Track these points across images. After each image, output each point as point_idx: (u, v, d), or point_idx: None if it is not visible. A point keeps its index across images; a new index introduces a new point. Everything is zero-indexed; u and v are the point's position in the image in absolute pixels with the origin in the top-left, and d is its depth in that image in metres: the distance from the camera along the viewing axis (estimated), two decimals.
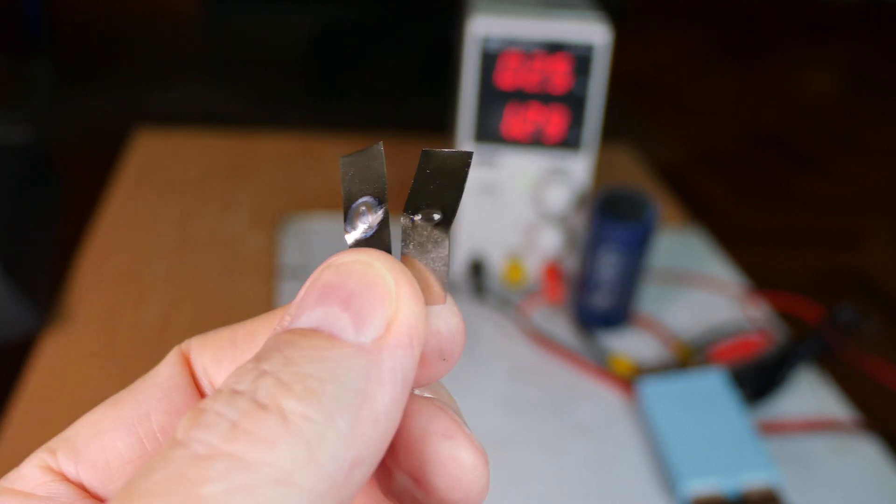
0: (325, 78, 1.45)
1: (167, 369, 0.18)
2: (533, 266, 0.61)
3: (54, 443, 0.17)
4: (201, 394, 0.19)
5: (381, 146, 0.17)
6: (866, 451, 0.51)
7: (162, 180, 0.78)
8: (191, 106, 1.15)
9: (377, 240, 0.17)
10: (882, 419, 0.53)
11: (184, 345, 0.19)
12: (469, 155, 0.17)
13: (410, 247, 0.17)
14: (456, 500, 0.17)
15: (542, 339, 0.58)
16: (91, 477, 0.17)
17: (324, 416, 0.14)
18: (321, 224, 0.70)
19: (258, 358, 0.15)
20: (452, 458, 0.17)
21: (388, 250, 0.17)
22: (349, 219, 0.17)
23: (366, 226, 0.17)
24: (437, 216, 0.17)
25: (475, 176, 0.59)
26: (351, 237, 0.17)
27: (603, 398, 0.53)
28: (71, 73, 1.30)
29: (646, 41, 1.69)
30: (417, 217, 0.17)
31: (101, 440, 0.17)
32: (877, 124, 1.39)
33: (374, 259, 0.16)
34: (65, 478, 0.17)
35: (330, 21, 1.69)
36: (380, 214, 0.17)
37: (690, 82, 1.50)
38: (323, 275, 0.16)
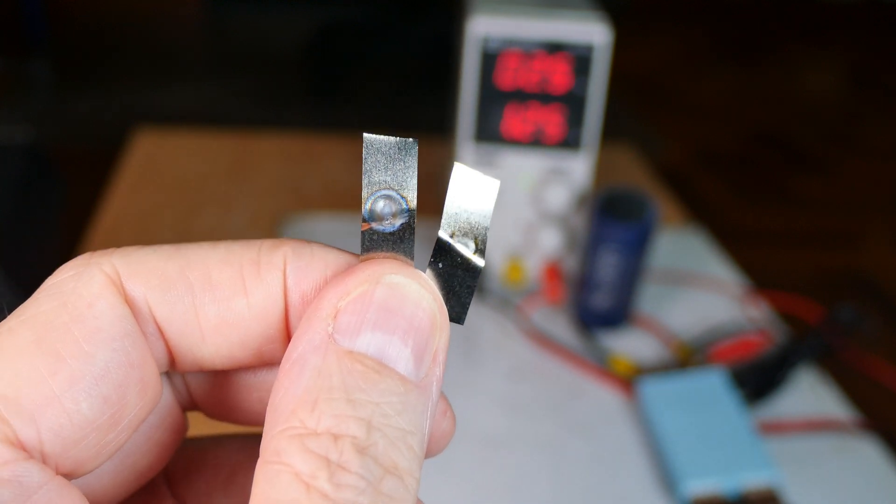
0: (325, 78, 1.45)
1: (110, 311, 0.16)
2: (533, 266, 0.61)
3: None
4: (145, 335, 0.17)
5: (416, 142, 0.17)
6: (866, 451, 0.51)
7: (162, 180, 0.78)
8: (191, 106, 1.15)
9: (398, 241, 0.17)
10: (882, 419, 0.53)
11: (107, 268, 0.17)
12: (497, 185, 0.17)
13: (441, 265, 0.17)
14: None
15: (542, 339, 0.58)
16: (54, 445, 0.15)
17: (418, 467, 0.15)
18: (321, 224, 0.70)
19: (343, 390, 0.15)
20: (448, 432, 0.18)
21: (412, 257, 0.17)
22: (367, 208, 0.17)
23: (386, 220, 0.17)
24: (473, 245, 0.17)
25: None
26: (369, 228, 0.17)
27: (603, 398, 0.53)
28: (71, 73, 1.30)
29: (646, 41, 1.69)
30: (454, 239, 0.17)
31: (60, 402, 0.15)
32: (877, 124, 1.39)
33: (424, 286, 0.16)
34: (25, 450, 0.15)
35: (330, 21, 1.69)
36: (403, 216, 0.17)
37: (690, 82, 1.51)
38: (378, 292, 0.16)
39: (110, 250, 0.17)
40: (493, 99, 0.57)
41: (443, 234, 0.17)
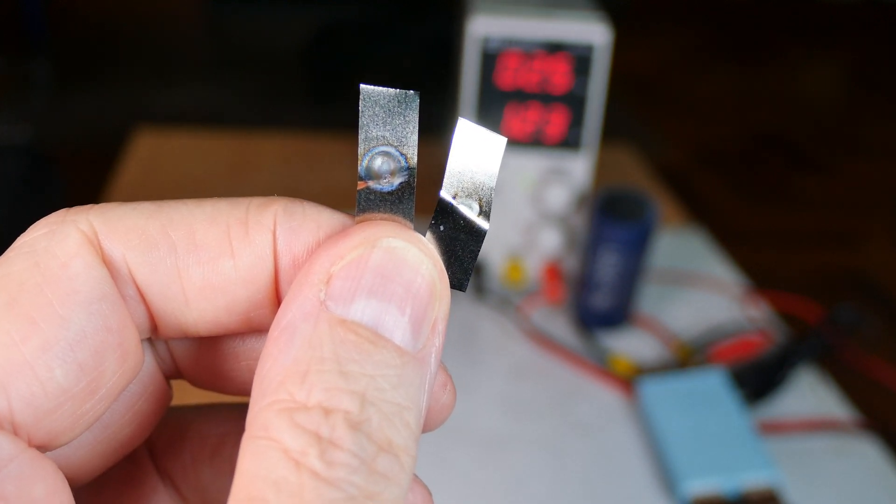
0: (325, 78, 1.45)
1: (86, 272, 0.15)
2: (533, 266, 0.61)
3: None
4: (124, 298, 0.16)
5: (416, 94, 0.15)
6: (866, 451, 0.51)
7: (162, 180, 0.78)
8: (191, 106, 1.15)
9: (397, 201, 0.16)
10: (882, 419, 0.53)
11: (83, 225, 0.15)
12: (503, 142, 0.16)
13: (443, 228, 0.16)
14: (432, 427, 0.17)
15: (542, 339, 0.58)
16: (25, 415, 0.14)
17: (414, 444, 0.14)
18: None
19: (336, 361, 0.14)
20: (448, 405, 0.17)
21: (412, 220, 0.16)
22: (364, 165, 0.16)
23: (383, 179, 0.16)
24: (477, 207, 0.16)
25: None
26: (366, 187, 0.16)
27: (603, 398, 0.53)
28: (71, 73, 1.30)
29: (646, 41, 1.69)
30: (457, 200, 0.16)
31: (32, 370, 0.14)
32: (877, 124, 1.39)
33: (424, 251, 0.15)
34: None
35: (330, 21, 1.69)
36: (403, 174, 0.16)
37: (690, 82, 1.51)
38: (374, 256, 0.15)
39: (87, 207, 0.16)
40: (493, 99, 0.57)
41: (445, 194, 0.16)
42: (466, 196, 0.16)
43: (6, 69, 1.26)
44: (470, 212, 0.16)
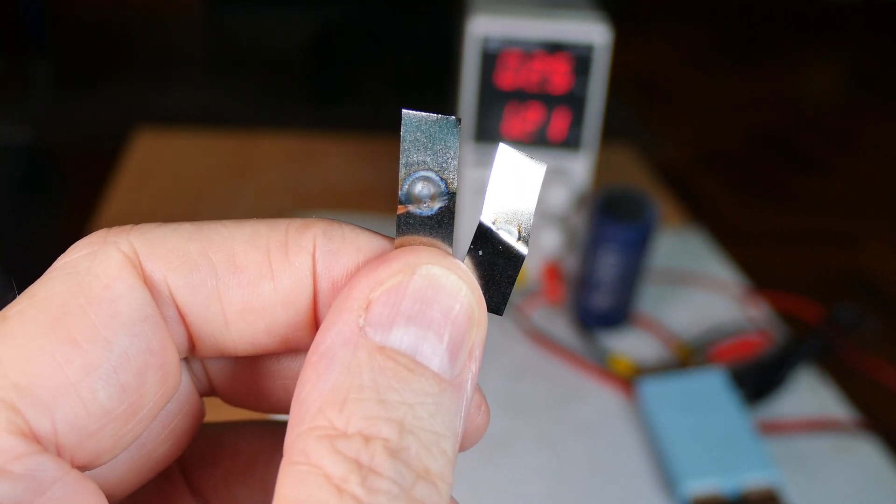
0: (325, 78, 1.45)
1: (129, 294, 0.15)
2: (533, 266, 0.61)
3: (9, 394, 0.14)
4: (164, 319, 0.16)
5: (458, 121, 0.16)
6: (866, 451, 0.50)
7: (162, 180, 0.78)
8: (191, 106, 1.15)
9: (436, 226, 0.16)
10: (882, 419, 0.53)
11: (124, 247, 0.15)
12: (543, 169, 0.16)
13: (482, 253, 0.16)
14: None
15: (542, 339, 0.58)
16: (69, 437, 0.14)
17: (451, 471, 0.14)
18: None
19: (375, 389, 0.14)
20: (483, 426, 0.17)
21: (451, 244, 0.16)
22: (405, 190, 0.16)
23: (423, 203, 0.16)
24: (516, 232, 0.16)
25: (475, 176, 0.59)
26: (406, 211, 0.16)
27: (603, 398, 0.53)
28: (71, 73, 1.30)
29: (646, 41, 1.69)
30: (496, 226, 0.16)
31: (76, 392, 0.14)
32: (877, 124, 1.39)
33: (462, 277, 0.16)
34: (39, 442, 0.14)
35: (330, 22, 1.69)
36: (443, 199, 0.16)
37: (690, 82, 1.51)
38: (413, 282, 0.15)
39: (127, 227, 0.16)
40: (493, 99, 0.57)
41: (485, 219, 0.16)
42: (506, 222, 0.16)
43: (6, 69, 1.26)
44: (509, 237, 0.16)
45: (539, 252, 0.60)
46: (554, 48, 0.56)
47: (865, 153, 1.23)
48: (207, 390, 0.19)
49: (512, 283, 0.16)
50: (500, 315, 0.17)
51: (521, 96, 0.57)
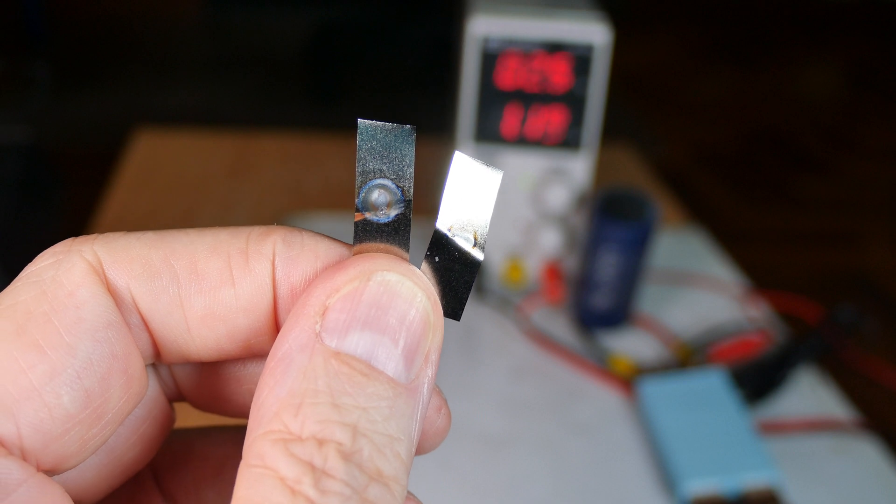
0: (325, 78, 1.45)
1: (92, 301, 0.15)
2: (533, 266, 0.61)
3: None
4: (128, 325, 0.16)
5: (413, 129, 0.16)
6: (866, 451, 0.51)
7: (162, 180, 0.78)
8: (191, 106, 1.15)
9: (393, 233, 0.16)
10: (882, 419, 0.53)
11: (88, 255, 0.16)
12: (499, 177, 0.16)
13: (438, 259, 0.17)
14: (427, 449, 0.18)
15: (542, 339, 0.58)
16: (34, 440, 0.15)
17: (405, 473, 0.15)
18: (321, 224, 0.70)
19: (329, 394, 0.14)
20: (444, 428, 0.18)
21: (408, 251, 0.16)
22: (361, 197, 0.16)
23: (380, 211, 0.16)
24: (472, 238, 0.16)
25: None
26: (363, 219, 0.16)
27: (603, 398, 0.53)
28: (71, 73, 1.30)
29: (646, 41, 1.68)
30: (452, 232, 0.16)
31: (40, 396, 0.14)
32: (877, 124, 1.38)
33: (418, 283, 0.16)
34: (3, 445, 0.14)
35: (329, 21, 1.69)
36: (399, 206, 0.16)
37: (690, 82, 1.50)
38: (368, 289, 0.15)
39: (92, 236, 0.16)
40: (493, 99, 0.57)
41: (440, 226, 0.16)
42: (461, 228, 0.16)
43: (6, 69, 1.26)
44: (465, 243, 0.16)
45: (539, 252, 0.60)
46: (554, 48, 0.56)
47: (865, 153, 1.23)
48: (176, 396, 0.19)
49: (469, 288, 0.17)
50: (458, 320, 0.17)
51: (521, 96, 0.57)
